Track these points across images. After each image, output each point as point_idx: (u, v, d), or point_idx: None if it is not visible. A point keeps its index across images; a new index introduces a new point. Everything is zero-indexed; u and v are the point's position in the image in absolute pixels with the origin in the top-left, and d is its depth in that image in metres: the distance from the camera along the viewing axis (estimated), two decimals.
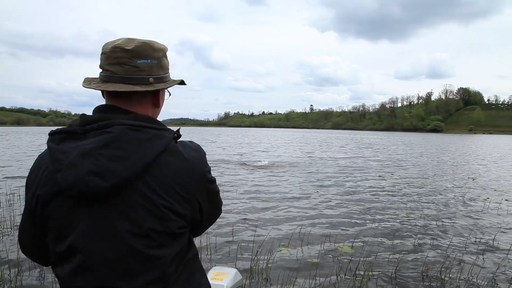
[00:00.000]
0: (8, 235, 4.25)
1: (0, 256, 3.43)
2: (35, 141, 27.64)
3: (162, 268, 0.79)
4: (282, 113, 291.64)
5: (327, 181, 8.87)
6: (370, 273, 3.31)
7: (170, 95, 0.99)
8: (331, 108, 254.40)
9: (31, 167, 0.86)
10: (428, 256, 3.83)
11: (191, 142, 0.91)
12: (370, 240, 4.31)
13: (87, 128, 0.78)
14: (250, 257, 3.59)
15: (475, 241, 4.38)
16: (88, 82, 0.88)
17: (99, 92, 0.90)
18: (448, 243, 4.25)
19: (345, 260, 3.65)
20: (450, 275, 3.34)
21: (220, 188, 7.66)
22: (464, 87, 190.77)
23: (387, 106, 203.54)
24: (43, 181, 0.80)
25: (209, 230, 4.27)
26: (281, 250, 3.92)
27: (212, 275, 1.60)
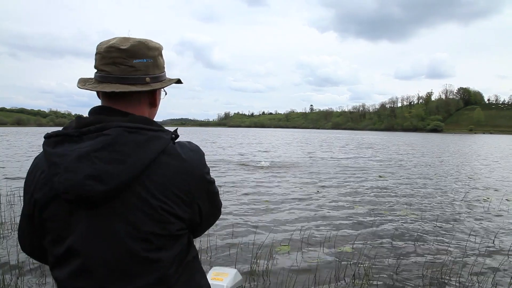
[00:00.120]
0: (9, 237, 4.24)
1: (0, 260, 3.42)
2: (35, 141, 27.64)
3: (162, 270, 0.79)
4: (282, 113, 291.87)
5: (327, 182, 8.86)
6: (370, 275, 3.30)
7: (166, 94, 0.98)
8: (331, 108, 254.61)
9: (29, 169, 0.86)
10: (429, 257, 3.82)
11: (189, 142, 0.90)
12: (370, 241, 4.30)
13: (84, 131, 0.76)
14: (250, 258, 3.58)
15: (476, 242, 4.37)
16: (83, 83, 0.86)
17: None
18: (449, 244, 4.24)
19: (346, 261, 3.64)
20: (451, 277, 3.33)
21: (221, 188, 7.63)
22: (464, 87, 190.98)
23: (387, 106, 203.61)
24: (40, 184, 0.79)
25: (209, 231, 4.26)
26: (281, 251, 3.91)
27: (212, 276, 1.60)
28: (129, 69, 0.83)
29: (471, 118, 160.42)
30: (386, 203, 6.48)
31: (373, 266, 3.51)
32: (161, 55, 0.91)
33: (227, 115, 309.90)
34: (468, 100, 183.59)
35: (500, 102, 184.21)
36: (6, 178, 8.70)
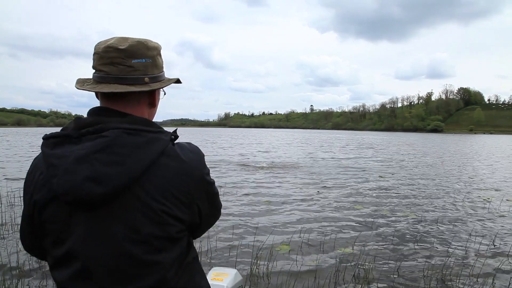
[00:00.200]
0: (9, 238, 4.21)
1: (2, 261, 3.41)
2: (36, 141, 27.63)
3: (162, 272, 0.78)
4: (282, 113, 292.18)
5: (328, 182, 8.85)
6: (371, 276, 3.30)
7: (165, 94, 0.97)
8: (331, 109, 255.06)
9: (28, 169, 0.85)
10: (430, 259, 3.81)
11: (189, 143, 0.89)
12: (371, 243, 4.29)
13: (82, 132, 0.76)
14: (251, 259, 3.57)
15: (477, 242, 4.36)
16: (81, 83, 0.85)
17: None
18: (450, 245, 4.23)
19: (346, 263, 3.63)
20: (452, 278, 3.32)
21: (221, 189, 7.62)
22: (464, 87, 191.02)
23: (387, 106, 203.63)
24: (39, 185, 0.79)
25: (209, 232, 4.26)
26: (281, 251, 3.90)
27: (212, 276, 1.60)
28: (128, 69, 0.82)
29: (471, 118, 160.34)
30: (387, 204, 6.46)
31: (374, 267, 3.50)
32: (160, 55, 0.90)
33: (227, 116, 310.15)
34: (468, 100, 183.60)
35: (501, 102, 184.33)
36: (6, 178, 8.70)
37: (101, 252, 0.75)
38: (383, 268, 3.51)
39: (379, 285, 3.16)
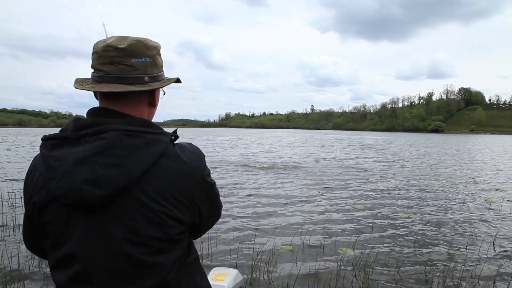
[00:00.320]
0: (9, 239, 4.21)
1: (3, 264, 3.40)
2: (36, 142, 27.68)
3: (162, 273, 0.77)
4: (283, 113, 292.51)
5: (329, 183, 8.84)
6: (371, 276, 3.28)
7: (164, 94, 0.96)
8: (331, 109, 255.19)
9: (28, 170, 0.85)
10: (431, 260, 3.80)
11: (189, 144, 0.88)
12: (372, 243, 4.28)
13: (82, 134, 0.75)
14: (251, 260, 3.57)
15: (478, 243, 4.34)
16: (80, 83, 0.84)
17: None
18: (451, 246, 4.22)
19: (347, 264, 3.62)
20: (453, 280, 3.30)
21: (222, 190, 7.61)
22: (465, 87, 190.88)
23: (388, 106, 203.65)
24: (38, 187, 0.78)
25: (210, 233, 4.25)
26: (282, 252, 3.89)
27: (213, 276, 1.59)
28: (128, 68, 0.81)
29: (472, 119, 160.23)
30: (389, 205, 6.45)
31: (375, 268, 3.48)
32: (160, 54, 0.89)
33: (228, 116, 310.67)
34: (469, 100, 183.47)
35: (501, 102, 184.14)
36: (7, 179, 8.71)
37: (101, 254, 0.74)
38: (385, 270, 3.49)
39: (379, 285, 3.14)
